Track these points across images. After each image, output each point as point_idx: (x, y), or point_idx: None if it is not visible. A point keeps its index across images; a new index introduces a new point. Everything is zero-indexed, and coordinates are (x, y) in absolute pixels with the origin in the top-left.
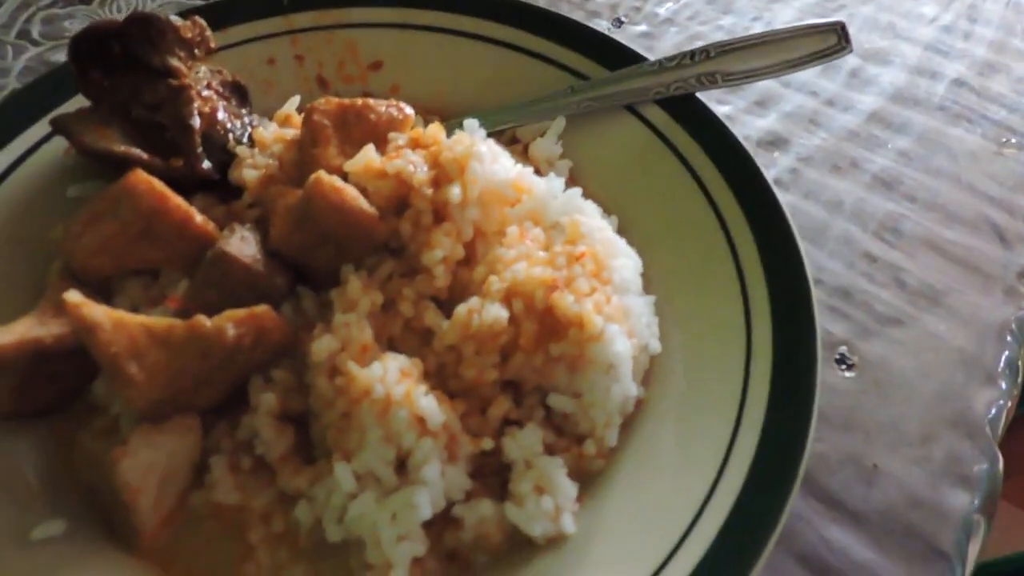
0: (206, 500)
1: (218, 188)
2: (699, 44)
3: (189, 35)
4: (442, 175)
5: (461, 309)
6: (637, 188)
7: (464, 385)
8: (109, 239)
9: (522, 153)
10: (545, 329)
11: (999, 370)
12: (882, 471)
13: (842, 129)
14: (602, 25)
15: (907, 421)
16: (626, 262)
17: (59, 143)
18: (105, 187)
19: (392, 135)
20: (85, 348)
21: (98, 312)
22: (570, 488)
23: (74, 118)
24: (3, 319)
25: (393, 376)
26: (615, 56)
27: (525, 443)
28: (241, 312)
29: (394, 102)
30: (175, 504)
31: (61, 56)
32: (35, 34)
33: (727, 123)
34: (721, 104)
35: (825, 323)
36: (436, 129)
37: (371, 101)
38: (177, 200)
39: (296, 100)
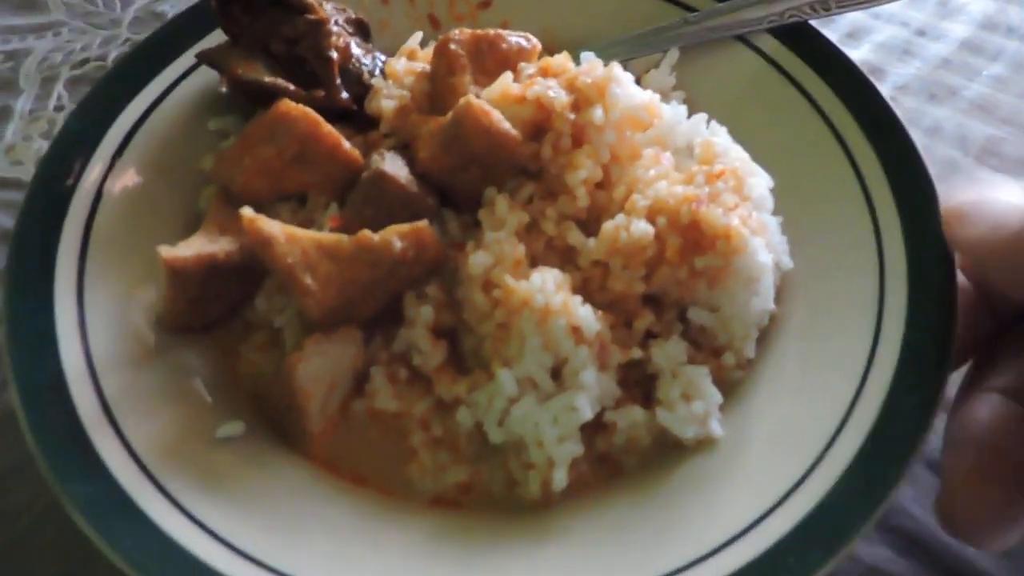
0: (367, 407)
1: (354, 120)
2: None
3: None
4: (582, 99)
5: (608, 225)
6: (753, 117)
7: (610, 298)
8: (266, 163)
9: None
10: (690, 243)
11: None
12: None
13: (935, 58)
14: None
15: None
16: (760, 180)
17: (197, 80)
18: (243, 121)
19: (522, 65)
20: (250, 264)
21: (274, 226)
22: (716, 395)
23: (221, 52)
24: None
25: (551, 287)
26: None
27: (671, 353)
28: (405, 227)
29: (522, 32)
30: (339, 410)
31: (167, 6)
32: None
33: (840, 48)
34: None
35: None
36: (564, 58)
37: (502, 32)
38: (328, 127)
39: (419, 36)
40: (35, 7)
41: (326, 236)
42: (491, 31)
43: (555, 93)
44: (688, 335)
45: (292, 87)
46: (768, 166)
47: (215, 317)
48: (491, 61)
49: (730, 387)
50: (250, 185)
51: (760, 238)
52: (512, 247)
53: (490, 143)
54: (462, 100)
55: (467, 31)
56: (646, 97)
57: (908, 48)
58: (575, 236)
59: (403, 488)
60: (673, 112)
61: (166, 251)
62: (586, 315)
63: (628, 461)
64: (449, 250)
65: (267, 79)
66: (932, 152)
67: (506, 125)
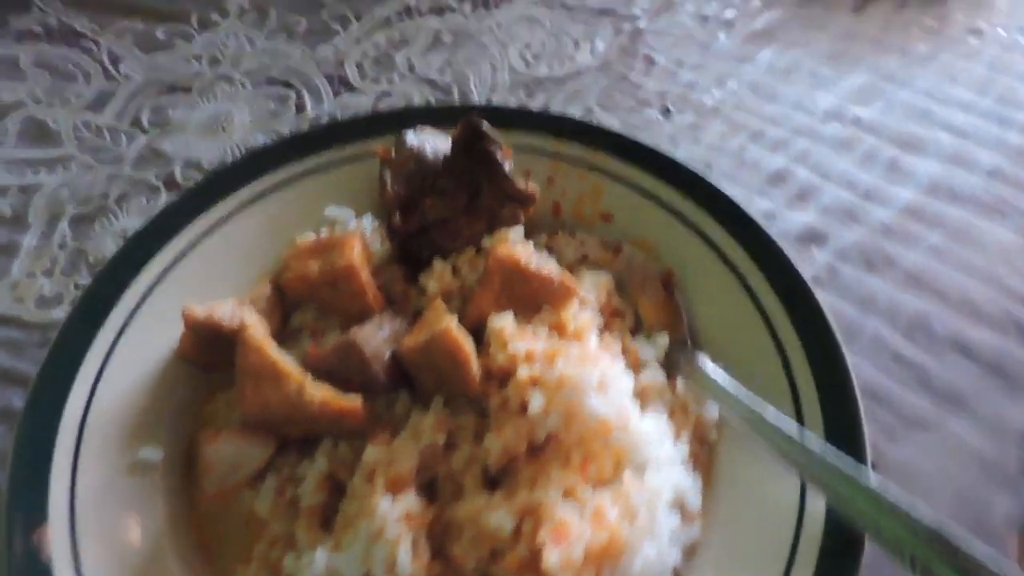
0: (249, 502)
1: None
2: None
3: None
4: (543, 378)
5: (479, 500)
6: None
7: (448, 556)
8: (307, 274)
9: None
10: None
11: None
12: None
13: (878, 223)
14: (651, 114)
15: None
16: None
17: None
18: (355, 214)
19: (546, 307)
20: None
21: (257, 333)
22: None
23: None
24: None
25: (396, 515)
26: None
27: None
28: (333, 399)
29: (566, 279)
30: (230, 490)
31: (167, 145)
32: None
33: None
34: (761, 197)
35: None
36: (586, 324)
37: (544, 271)
38: (365, 276)
39: (520, 229)
40: (50, 139)
41: (281, 364)
42: (533, 266)
43: (527, 363)
44: None
45: (398, 217)
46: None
47: (209, 364)
48: (519, 290)
49: None
50: (291, 283)
51: None
52: (406, 460)
53: (451, 366)
54: (444, 323)
55: (515, 253)
56: (611, 412)
57: (853, 212)
58: (471, 481)
59: None
60: (646, 427)
61: (187, 308)
62: (403, 560)
63: None
64: (378, 426)
65: (393, 189)
66: (861, 328)
67: (471, 363)
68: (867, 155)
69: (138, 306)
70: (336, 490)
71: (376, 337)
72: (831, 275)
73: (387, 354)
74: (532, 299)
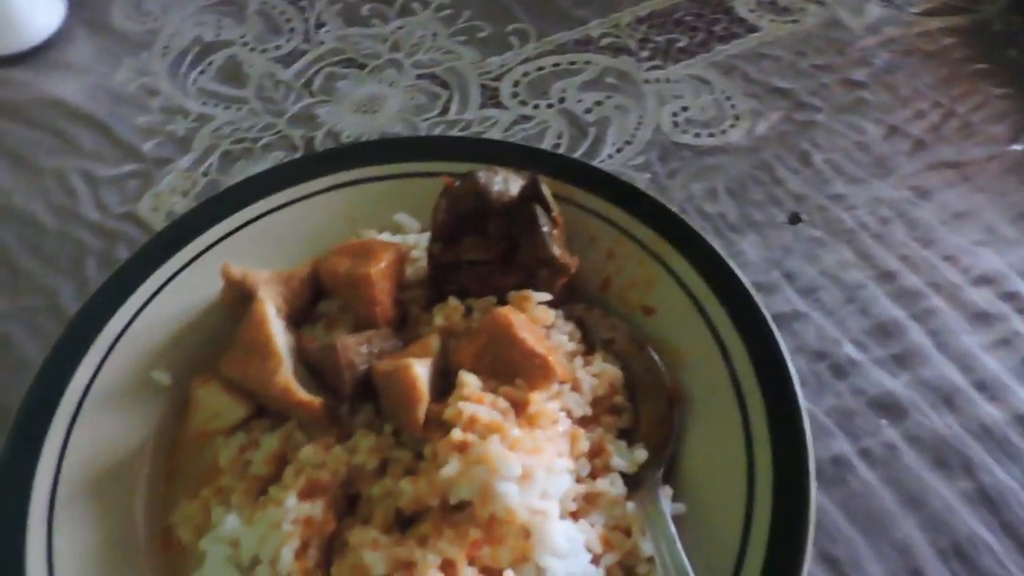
0: (217, 450)
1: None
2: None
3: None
4: (470, 447)
5: (370, 535)
6: None
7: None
8: (337, 269)
9: None
10: None
11: None
12: None
13: (977, 424)
14: (777, 216)
15: None
16: None
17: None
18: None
19: (519, 381)
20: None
21: (263, 309)
22: None
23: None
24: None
25: (295, 515)
26: None
27: None
28: (295, 391)
29: (553, 363)
30: (206, 434)
31: (322, 110)
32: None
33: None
34: (854, 346)
35: None
36: (547, 414)
37: (532, 346)
38: (379, 290)
39: (546, 296)
40: (238, 81)
41: (273, 343)
42: (527, 344)
43: (462, 435)
44: None
45: (438, 245)
46: None
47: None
48: (503, 354)
49: None
50: (323, 272)
51: None
52: (335, 468)
53: (403, 402)
54: (404, 364)
55: (510, 318)
56: (523, 506)
57: (951, 400)
58: (379, 514)
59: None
60: (562, 534)
61: (226, 265)
62: (287, 557)
63: None
64: (336, 424)
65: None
66: (895, 525)
67: (420, 406)
68: (1005, 339)
69: (205, 250)
70: (281, 469)
71: (358, 349)
72: (888, 455)
73: (362, 368)
74: (511, 367)
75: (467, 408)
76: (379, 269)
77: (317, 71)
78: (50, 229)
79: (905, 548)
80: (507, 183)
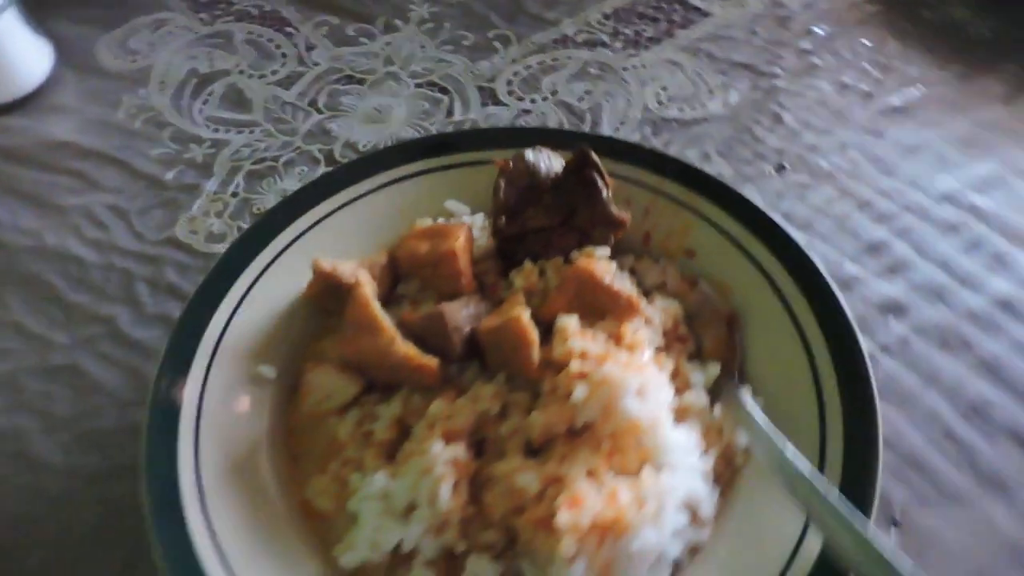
0: (335, 427)
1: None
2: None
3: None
4: (590, 374)
5: (516, 462)
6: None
7: (481, 504)
8: (417, 251)
9: None
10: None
11: None
12: None
13: (964, 308)
14: (765, 168)
15: None
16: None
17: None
18: (470, 211)
19: (609, 318)
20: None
21: (365, 291)
22: None
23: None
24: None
25: (444, 458)
26: None
27: (478, 569)
28: (415, 355)
29: (633, 299)
30: (321, 414)
31: (334, 125)
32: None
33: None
34: (852, 263)
35: (887, 485)
36: (640, 340)
37: (615, 288)
38: (463, 263)
39: (607, 250)
40: (244, 106)
41: (380, 320)
42: (606, 282)
43: (581, 359)
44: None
45: (503, 217)
46: None
47: (330, 310)
48: (589, 299)
49: None
50: (403, 257)
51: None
52: (464, 419)
53: (516, 349)
54: (515, 314)
55: (591, 266)
56: (644, 415)
57: (942, 293)
58: (514, 445)
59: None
60: (676, 436)
61: (317, 259)
62: (444, 494)
63: None
64: (448, 384)
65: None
66: (920, 400)
67: (534, 348)
68: (973, 242)
69: (282, 251)
70: (403, 433)
71: (461, 313)
72: (902, 346)
73: (467, 329)
74: (599, 309)
75: (576, 343)
76: (460, 244)
77: (319, 90)
78: (91, 262)
79: (933, 416)
80: (551, 160)
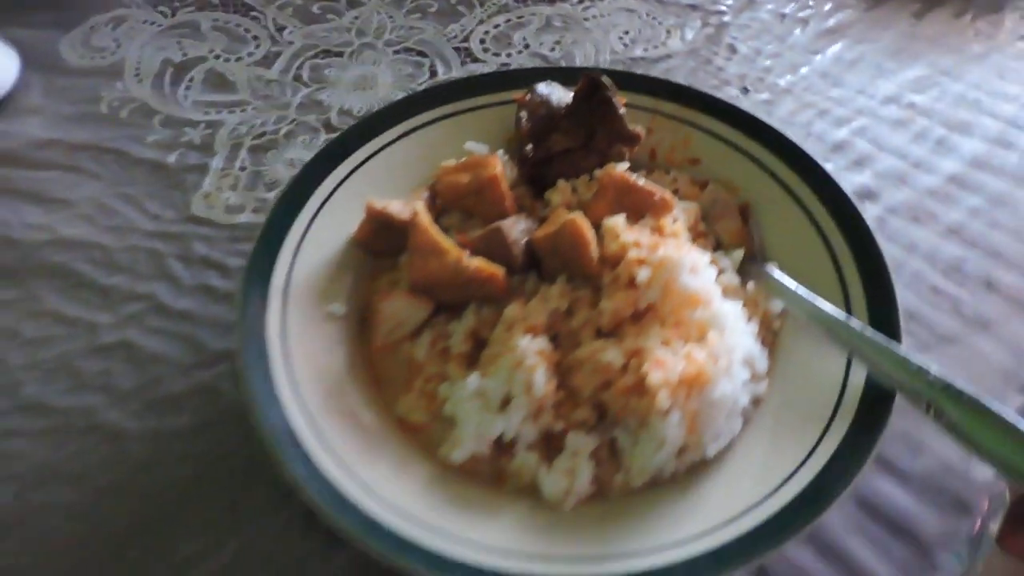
0: (409, 350)
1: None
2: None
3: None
4: (648, 258)
5: (596, 345)
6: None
7: (570, 386)
8: (459, 182)
9: None
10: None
11: None
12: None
13: (924, 187)
14: (731, 92)
15: None
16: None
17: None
18: (490, 149)
19: (648, 216)
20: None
21: (425, 218)
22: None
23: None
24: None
25: (533, 349)
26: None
27: (578, 443)
28: (485, 265)
29: (666, 195)
30: (395, 341)
31: (324, 95)
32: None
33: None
34: (824, 162)
35: None
36: (680, 228)
37: (648, 185)
38: (504, 188)
39: (625, 165)
40: (229, 88)
41: (443, 242)
42: (641, 183)
43: (637, 248)
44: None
45: (529, 146)
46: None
47: (381, 250)
48: (628, 200)
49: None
50: (444, 190)
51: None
52: (539, 316)
53: (574, 251)
54: (572, 216)
55: (624, 173)
56: (700, 289)
57: (903, 177)
58: (587, 334)
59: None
60: (726, 307)
61: (370, 200)
62: (539, 381)
63: None
64: (515, 294)
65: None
66: (904, 265)
67: (591, 246)
68: (919, 133)
69: (325, 202)
70: (477, 345)
71: (516, 228)
72: (880, 225)
73: (523, 241)
74: (637, 208)
75: (628, 236)
76: (499, 171)
77: (300, 65)
78: (115, 247)
79: (919, 277)
80: (559, 91)
